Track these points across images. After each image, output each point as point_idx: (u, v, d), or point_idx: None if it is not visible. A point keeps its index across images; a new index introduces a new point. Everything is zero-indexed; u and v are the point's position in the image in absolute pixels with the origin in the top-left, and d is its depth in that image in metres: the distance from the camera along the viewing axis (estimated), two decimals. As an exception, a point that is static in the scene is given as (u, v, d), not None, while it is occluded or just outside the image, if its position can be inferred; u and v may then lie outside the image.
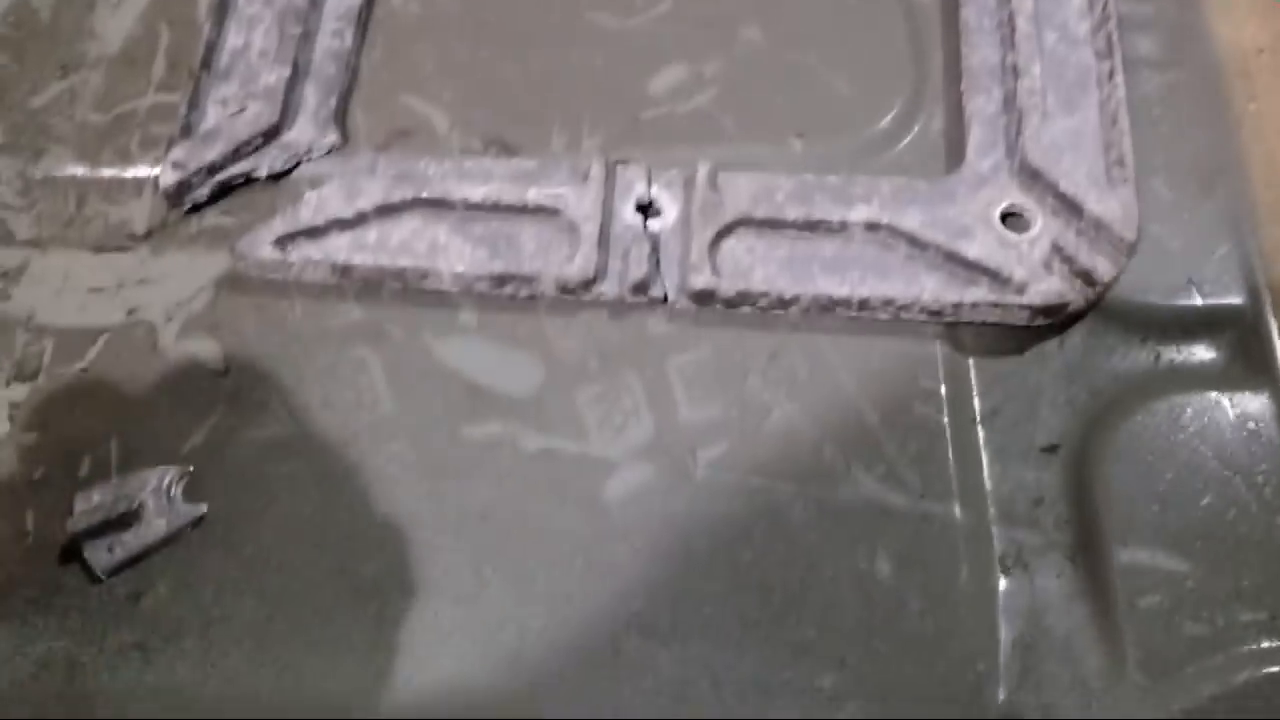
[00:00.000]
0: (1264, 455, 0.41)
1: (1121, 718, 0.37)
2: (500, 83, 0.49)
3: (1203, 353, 0.44)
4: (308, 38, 0.49)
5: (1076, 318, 0.44)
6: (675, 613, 0.39)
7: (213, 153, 0.46)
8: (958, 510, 0.41)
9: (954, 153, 0.47)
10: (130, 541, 0.39)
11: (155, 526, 0.40)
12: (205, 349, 0.43)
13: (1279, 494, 0.40)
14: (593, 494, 0.41)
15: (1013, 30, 0.48)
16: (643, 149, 0.48)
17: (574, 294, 0.44)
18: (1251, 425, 0.41)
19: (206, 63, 0.48)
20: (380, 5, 0.51)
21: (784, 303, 0.43)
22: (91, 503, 0.40)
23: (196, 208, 0.46)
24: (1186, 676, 0.38)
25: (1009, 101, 0.47)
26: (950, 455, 0.42)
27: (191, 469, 0.41)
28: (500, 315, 0.44)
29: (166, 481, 0.41)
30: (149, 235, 0.46)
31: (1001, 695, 0.38)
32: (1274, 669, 0.38)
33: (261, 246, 0.44)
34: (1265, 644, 0.38)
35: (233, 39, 0.49)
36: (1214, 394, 0.43)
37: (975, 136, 0.46)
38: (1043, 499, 0.41)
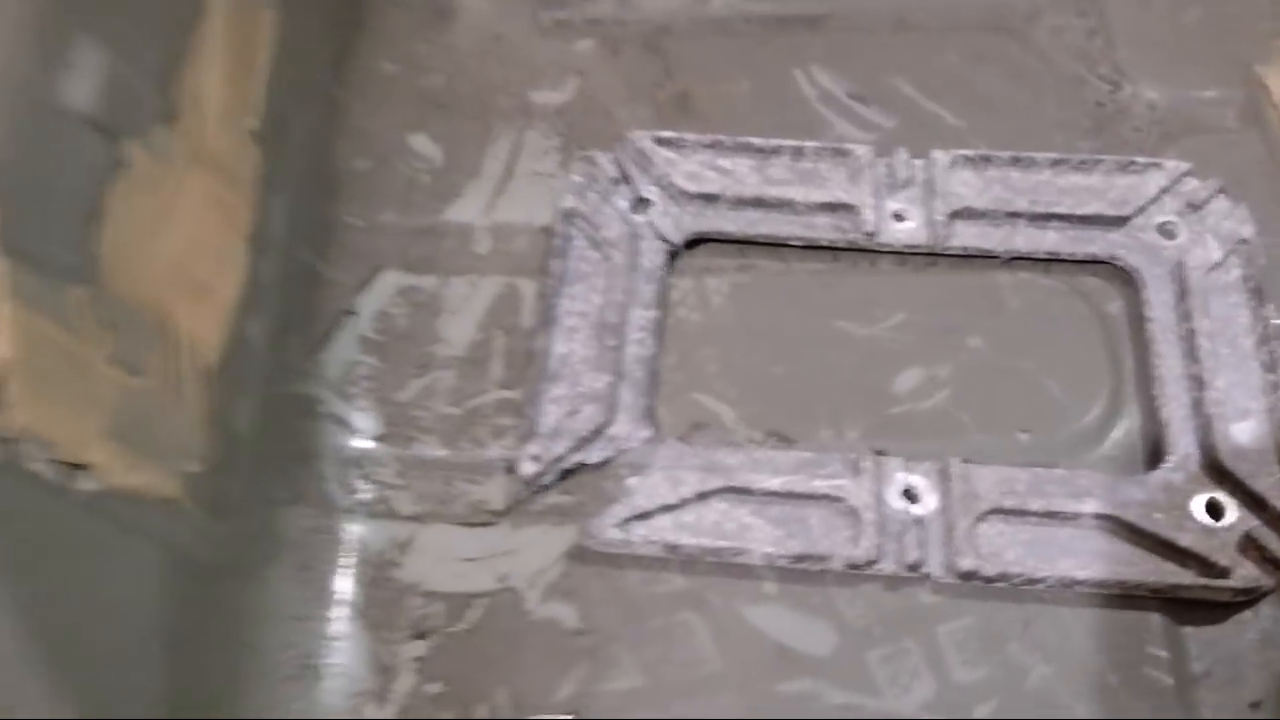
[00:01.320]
0: None
1: None
2: (772, 381, 0.62)
3: (1377, 625, 0.53)
4: (619, 347, 0.61)
5: (1268, 593, 0.54)
6: None
7: (559, 447, 0.58)
8: (1190, 763, 0.50)
9: (1151, 449, 0.58)
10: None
11: (542, 765, 0.50)
12: (564, 613, 0.54)
13: None
14: (891, 743, 0.51)
15: (1194, 345, 0.59)
16: (894, 440, 0.59)
17: (859, 569, 0.55)
18: None
19: (543, 369, 0.60)
20: (672, 315, 0.64)
21: (1033, 581, 0.54)
22: (494, 746, 0.50)
23: (542, 489, 0.58)
24: None
25: (1195, 407, 0.58)
26: (1178, 713, 0.51)
27: (575, 715, 0.52)
28: (795, 586, 0.55)
29: (551, 727, 0.51)
30: (507, 512, 0.58)
31: None
32: None
33: (607, 528, 0.55)
34: None
35: (559, 347, 0.62)
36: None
37: (1171, 437, 0.57)
38: (1258, 752, 0.50)
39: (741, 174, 0.68)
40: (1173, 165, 0.66)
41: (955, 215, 0.65)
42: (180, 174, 0.52)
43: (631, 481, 0.57)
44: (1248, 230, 0.63)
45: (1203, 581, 0.53)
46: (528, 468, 0.57)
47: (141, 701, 0.45)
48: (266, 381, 0.58)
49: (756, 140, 0.67)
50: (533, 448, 0.58)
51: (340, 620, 0.54)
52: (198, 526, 0.51)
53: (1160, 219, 0.65)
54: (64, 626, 0.40)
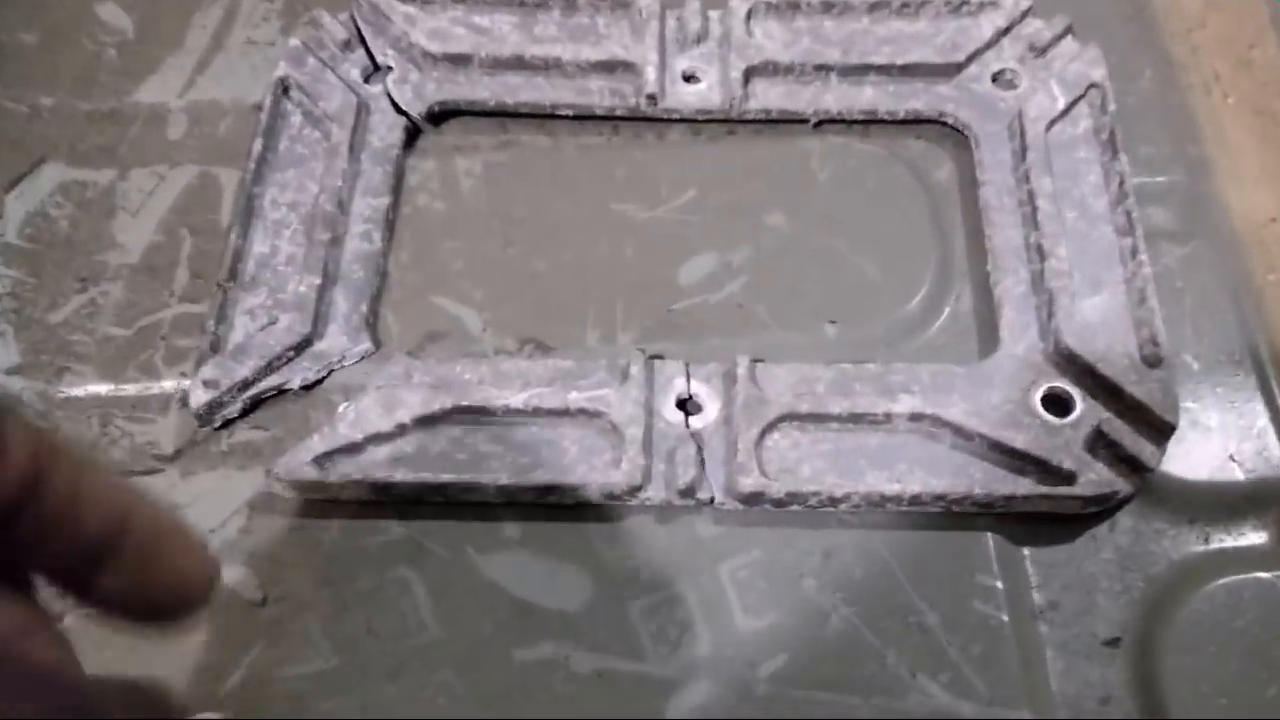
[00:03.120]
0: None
1: None
2: (530, 278, 0.50)
3: (1251, 533, 0.43)
4: (335, 242, 0.49)
5: (1124, 502, 0.44)
6: None
7: (245, 369, 0.45)
8: (1028, 716, 0.40)
9: (986, 335, 0.47)
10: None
11: (195, 779, 0.38)
12: (240, 578, 0.42)
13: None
14: (654, 717, 0.39)
15: (1034, 209, 0.49)
16: (677, 341, 0.48)
17: (619, 500, 0.43)
18: (1313, 609, 0.41)
19: (233, 272, 0.47)
20: (406, 204, 0.51)
21: (834, 500, 0.42)
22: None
23: (226, 424, 0.45)
24: None
25: (1036, 282, 0.47)
26: (1015, 656, 0.41)
27: (230, 717, 0.39)
28: (543, 526, 0.43)
29: (206, 728, 0.39)
30: (178, 455, 0.45)
31: None
32: None
33: (299, 467, 0.43)
34: None
35: (258, 246, 0.49)
36: (1268, 576, 0.42)
37: (1007, 319, 0.47)
38: (1109, 697, 0.40)
39: (501, 32, 0.55)
40: (1011, 3, 0.55)
41: (755, 73, 0.53)
42: None
43: (341, 408, 0.45)
44: (1098, 74, 0.53)
45: (1043, 490, 0.42)
46: (199, 395, 0.44)
47: None
48: None
49: (518, -9, 0.55)
50: (209, 370, 0.45)
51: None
52: None
53: (997, 67, 0.54)
54: None
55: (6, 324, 0.48)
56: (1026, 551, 0.43)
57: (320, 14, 0.55)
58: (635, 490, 0.43)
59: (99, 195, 0.52)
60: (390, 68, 0.54)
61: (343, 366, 0.46)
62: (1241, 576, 0.42)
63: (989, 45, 0.54)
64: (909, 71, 0.54)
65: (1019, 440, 0.43)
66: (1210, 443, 0.45)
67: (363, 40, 0.55)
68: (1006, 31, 0.54)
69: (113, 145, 0.53)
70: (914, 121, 0.53)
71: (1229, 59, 0.56)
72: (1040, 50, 0.54)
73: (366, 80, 0.54)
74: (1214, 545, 0.43)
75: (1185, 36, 0.57)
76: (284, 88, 0.53)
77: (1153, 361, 0.45)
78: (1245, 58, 0.56)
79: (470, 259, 0.50)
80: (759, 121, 0.54)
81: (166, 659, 0.40)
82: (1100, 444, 0.44)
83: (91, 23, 0.58)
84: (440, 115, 0.54)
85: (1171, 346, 0.46)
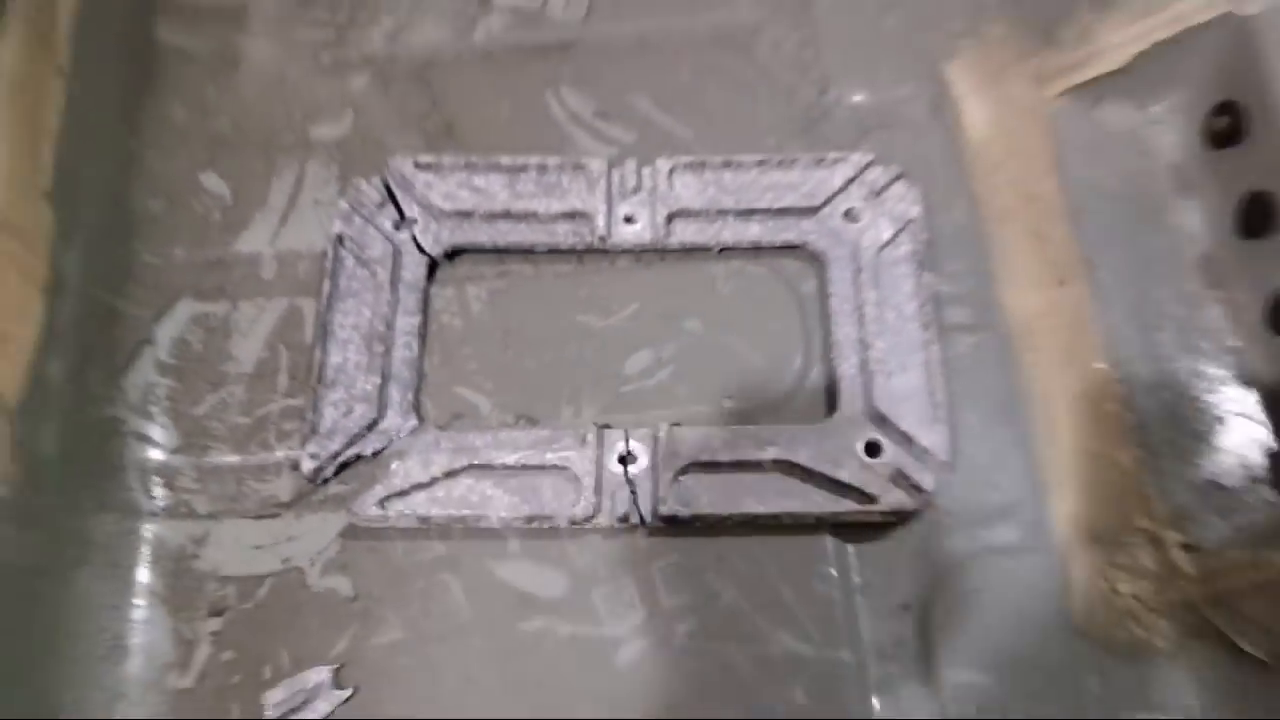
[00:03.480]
0: (1044, 606, 0.63)
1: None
2: (523, 372, 0.72)
3: (1004, 534, 0.66)
4: (387, 351, 0.71)
5: (914, 514, 0.66)
6: (668, 740, 0.60)
7: (335, 444, 0.68)
8: (847, 654, 0.62)
9: (830, 403, 0.70)
10: (306, 723, 0.60)
11: (319, 709, 0.61)
12: (339, 584, 0.65)
13: (1053, 629, 0.62)
14: (608, 663, 0.62)
15: (863, 313, 0.71)
16: (624, 413, 0.70)
17: (580, 525, 0.66)
18: (1036, 584, 0.64)
19: (319, 377, 0.70)
20: (433, 321, 0.74)
21: (723, 519, 0.65)
22: (277, 699, 0.61)
23: (324, 481, 0.68)
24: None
25: (863, 365, 0.70)
26: (840, 616, 0.63)
27: (340, 666, 0.62)
28: (534, 543, 0.66)
29: (325, 677, 0.61)
30: (291, 504, 0.67)
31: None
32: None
33: (369, 507, 0.65)
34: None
35: (334, 357, 0.72)
36: (1010, 563, 0.65)
37: (843, 391, 0.69)
38: (902, 641, 0.63)
39: (493, 191, 0.78)
40: (858, 157, 0.77)
41: (675, 215, 0.76)
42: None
43: (394, 466, 0.67)
44: (916, 210, 0.75)
45: (861, 508, 0.65)
46: (308, 464, 0.67)
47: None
48: (71, 409, 0.67)
49: (506, 159, 0.77)
50: (312, 447, 0.68)
51: (145, 607, 0.64)
52: (9, 538, 0.60)
53: (846, 206, 0.76)
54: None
55: (166, 417, 0.70)
56: (851, 548, 0.66)
57: (359, 181, 0.78)
58: (590, 518, 0.65)
59: (219, 322, 0.74)
60: (415, 220, 0.77)
61: (398, 439, 0.69)
62: (995, 563, 0.65)
63: (840, 190, 0.77)
64: (784, 212, 0.76)
65: (845, 475, 0.66)
66: (978, 474, 0.68)
67: (393, 199, 0.78)
68: (853, 180, 0.77)
69: (225, 285, 0.76)
70: (789, 248, 0.76)
71: (1019, 194, 0.78)
72: (877, 193, 0.76)
73: (397, 228, 0.77)
74: (979, 544, 0.66)
75: (988, 177, 0.79)
76: (339, 239, 0.75)
77: (939, 419, 0.67)
78: (1032, 192, 0.79)
79: (481, 359, 0.73)
80: (679, 250, 0.76)
81: (288, 635, 0.62)
82: (900, 476, 0.66)
83: (199, 190, 0.80)
84: (453, 253, 0.77)
85: (955, 407, 0.68)
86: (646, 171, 0.77)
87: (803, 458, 0.66)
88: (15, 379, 0.62)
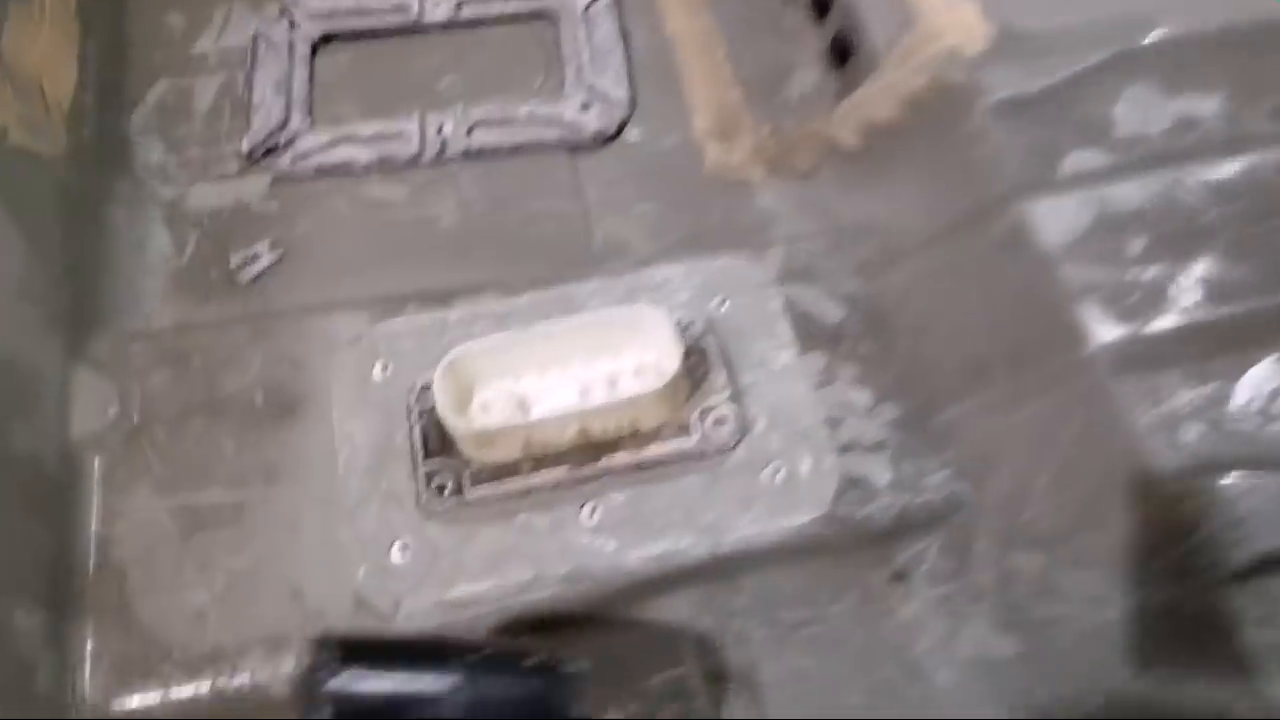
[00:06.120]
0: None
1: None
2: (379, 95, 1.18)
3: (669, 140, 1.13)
4: (289, 93, 1.17)
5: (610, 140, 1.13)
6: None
7: (261, 136, 1.13)
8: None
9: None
10: None
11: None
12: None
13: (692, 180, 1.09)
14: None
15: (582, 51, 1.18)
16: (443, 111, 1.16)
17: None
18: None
19: (249, 107, 1.16)
20: (317, 78, 1.20)
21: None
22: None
23: (258, 159, 1.13)
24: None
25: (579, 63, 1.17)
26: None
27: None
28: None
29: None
30: (240, 173, 1.13)
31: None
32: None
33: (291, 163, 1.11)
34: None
35: (256, 98, 1.17)
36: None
37: (568, 76, 1.16)
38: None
39: None
40: None
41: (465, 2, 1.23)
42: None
43: (297, 143, 1.13)
44: (611, -18, 1.22)
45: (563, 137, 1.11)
46: (245, 146, 1.13)
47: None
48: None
49: (357, -18, 1.24)
50: (247, 140, 1.13)
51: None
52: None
53: (570, -15, 1.24)
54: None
55: (157, 136, 1.15)
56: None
57: (270, 5, 1.23)
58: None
59: (187, 86, 1.19)
60: (299, 24, 1.23)
61: (301, 134, 1.14)
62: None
63: (566, -23, 1.24)
64: (532, -8, 1.23)
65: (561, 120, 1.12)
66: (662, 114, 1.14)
67: (288, 12, 1.23)
68: (574, -30, 1.24)
69: (186, 69, 1.21)
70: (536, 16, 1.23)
71: None
72: (589, -24, 1.24)
73: (291, 28, 1.23)
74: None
75: None
76: (255, 36, 1.21)
77: (623, 77, 1.14)
78: None
79: (351, 98, 1.19)
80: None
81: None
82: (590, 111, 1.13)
83: (162, 24, 1.25)
84: (327, 39, 1.23)
85: (635, 77, 1.15)
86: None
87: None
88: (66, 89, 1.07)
